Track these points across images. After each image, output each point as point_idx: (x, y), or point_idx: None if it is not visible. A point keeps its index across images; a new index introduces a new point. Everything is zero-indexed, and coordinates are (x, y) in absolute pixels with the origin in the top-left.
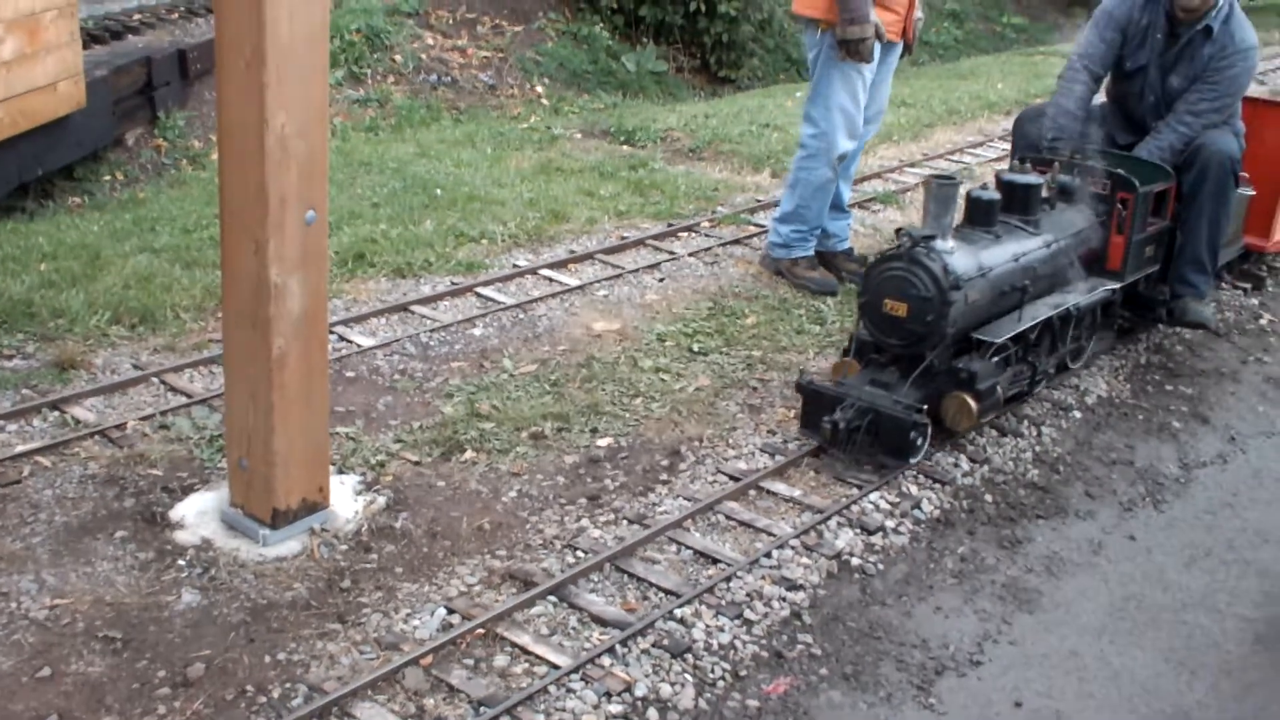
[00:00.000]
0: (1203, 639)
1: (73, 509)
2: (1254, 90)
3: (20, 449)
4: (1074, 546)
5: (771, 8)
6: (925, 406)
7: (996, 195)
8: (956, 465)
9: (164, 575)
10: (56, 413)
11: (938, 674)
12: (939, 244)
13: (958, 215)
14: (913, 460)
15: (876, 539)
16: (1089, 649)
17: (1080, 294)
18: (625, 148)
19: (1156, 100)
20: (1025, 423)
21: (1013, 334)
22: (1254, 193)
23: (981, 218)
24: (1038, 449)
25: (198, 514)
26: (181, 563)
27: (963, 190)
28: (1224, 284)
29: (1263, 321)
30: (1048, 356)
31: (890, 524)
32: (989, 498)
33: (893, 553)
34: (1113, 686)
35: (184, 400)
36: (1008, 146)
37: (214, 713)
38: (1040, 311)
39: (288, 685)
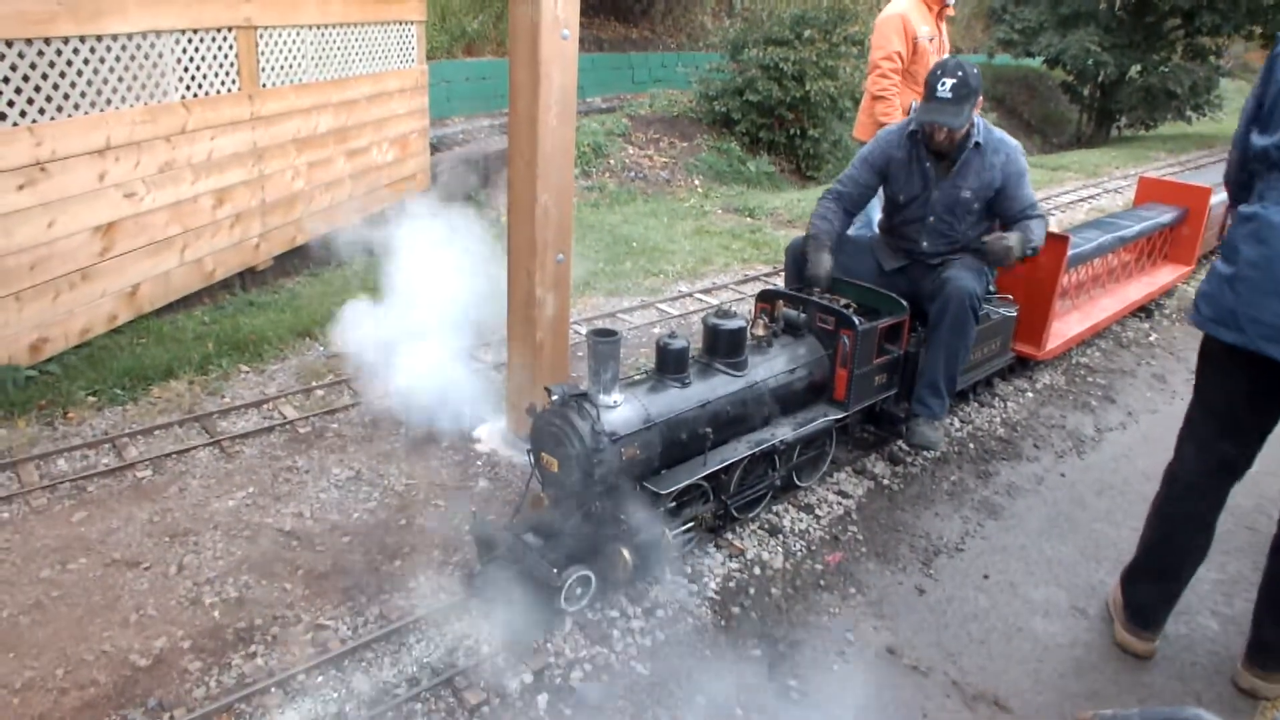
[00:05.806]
0: (1104, 541)
1: (420, 427)
2: None
3: None
4: (1025, 479)
5: (840, 133)
6: (589, 555)
7: (683, 343)
8: (952, 424)
9: (469, 469)
10: None
11: (935, 555)
12: (602, 399)
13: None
14: (570, 610)
15: (900, 468)
16: (1032, 544)
17: (792, 427)
18: (748, 219)
19: (936, 218)
20: (997, 399)
21: (686, 483)
22: (1015, 314)
23: (671, 366)
24: (1004, 415)
25: (489, 434)
26: (479, 463)
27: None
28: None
29: (1151, 339)
30: (771, 479)
31: (909, 459)
32: (972, 445)
33: (909, 477)
34: (1046, 568)
35: (484, 365)
36: None
37: None
38: (737, 451)
39: None
